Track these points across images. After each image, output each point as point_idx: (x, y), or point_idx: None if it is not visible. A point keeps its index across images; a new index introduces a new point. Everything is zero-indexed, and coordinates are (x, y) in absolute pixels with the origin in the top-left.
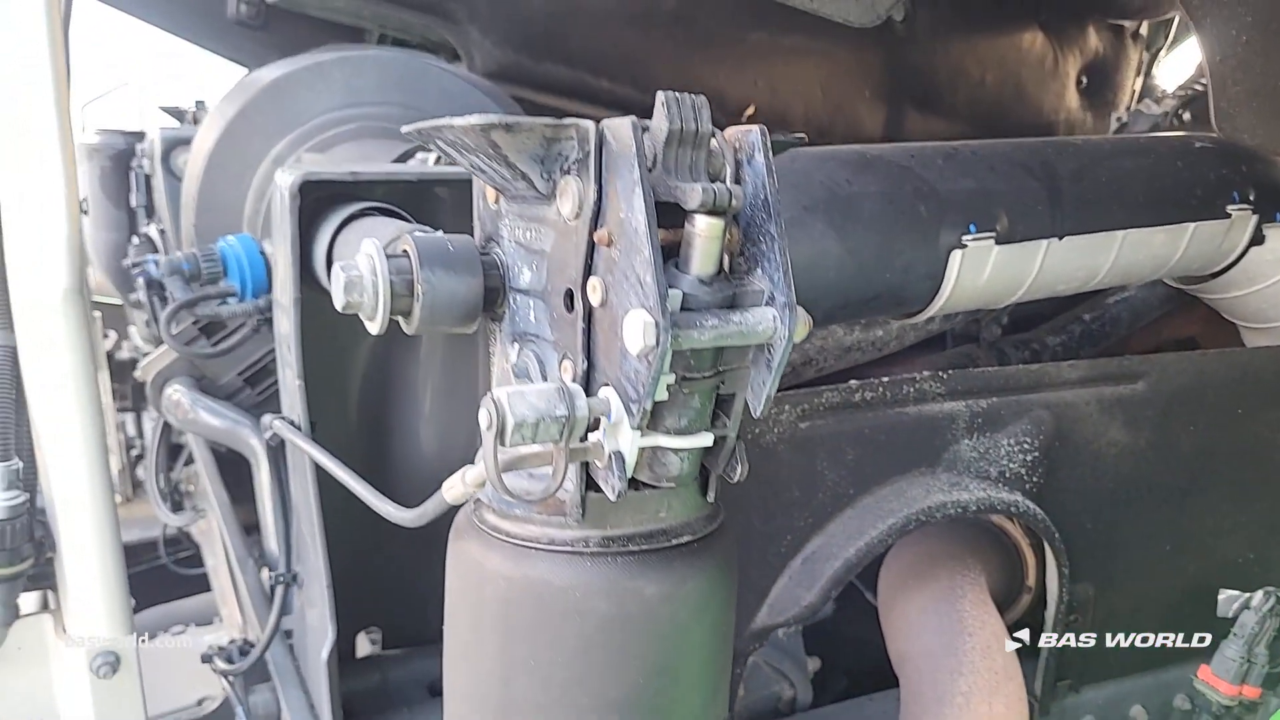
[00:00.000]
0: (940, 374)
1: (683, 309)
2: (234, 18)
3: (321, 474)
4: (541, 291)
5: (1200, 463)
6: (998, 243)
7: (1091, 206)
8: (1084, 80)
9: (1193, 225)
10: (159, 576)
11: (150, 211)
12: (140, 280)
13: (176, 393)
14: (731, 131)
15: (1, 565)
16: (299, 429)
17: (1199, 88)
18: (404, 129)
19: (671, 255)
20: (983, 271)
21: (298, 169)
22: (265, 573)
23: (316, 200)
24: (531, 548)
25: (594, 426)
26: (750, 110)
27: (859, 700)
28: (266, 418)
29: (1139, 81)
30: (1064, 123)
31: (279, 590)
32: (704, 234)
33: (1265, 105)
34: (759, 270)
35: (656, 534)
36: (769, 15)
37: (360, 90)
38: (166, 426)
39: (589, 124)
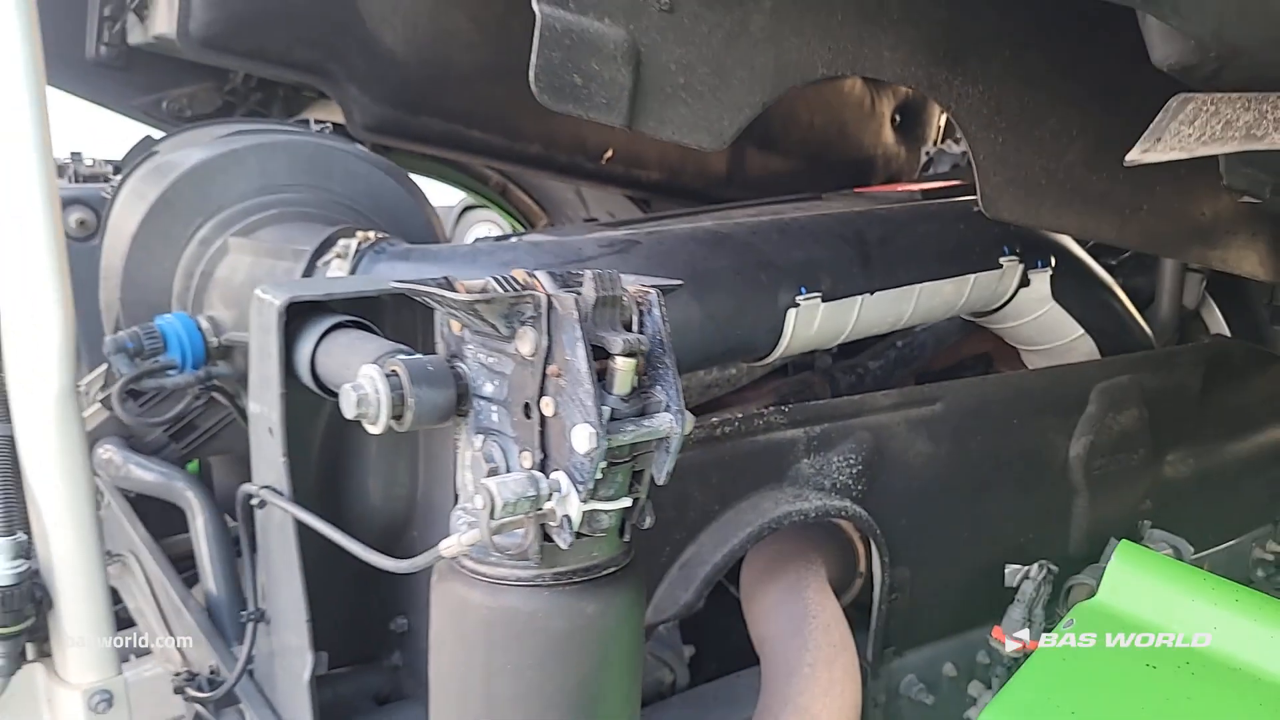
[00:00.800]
0: (783, 408)
1: (611, 419)
2: (94, 59)
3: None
4: (504, 401)
5: (987, 465)
6: (824, 300)
7: (894, 266)
8: (897, 118)
9: (974, 276)
10: None
11: None
12: None
13: (108, 451)
14: (636, 290)
15: (9, 624)
16: (281, 494)
17: None
18: (394, 285)
19: (600, 379)
20: (813, 323)
21: (282, 290)
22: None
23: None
24: (504, 584)
25: (548, 498)
26: (609, 154)
27: (728, 678)
28: (249, 486)
29: (944, 117)
30: (881, 157)
31: (250, 626)
32: (623, 369)
33: (1019, 192)
34: (658, 386)
35: (592, 568)
36: None
37: (274, 174)
38: None
39: (542, 295)
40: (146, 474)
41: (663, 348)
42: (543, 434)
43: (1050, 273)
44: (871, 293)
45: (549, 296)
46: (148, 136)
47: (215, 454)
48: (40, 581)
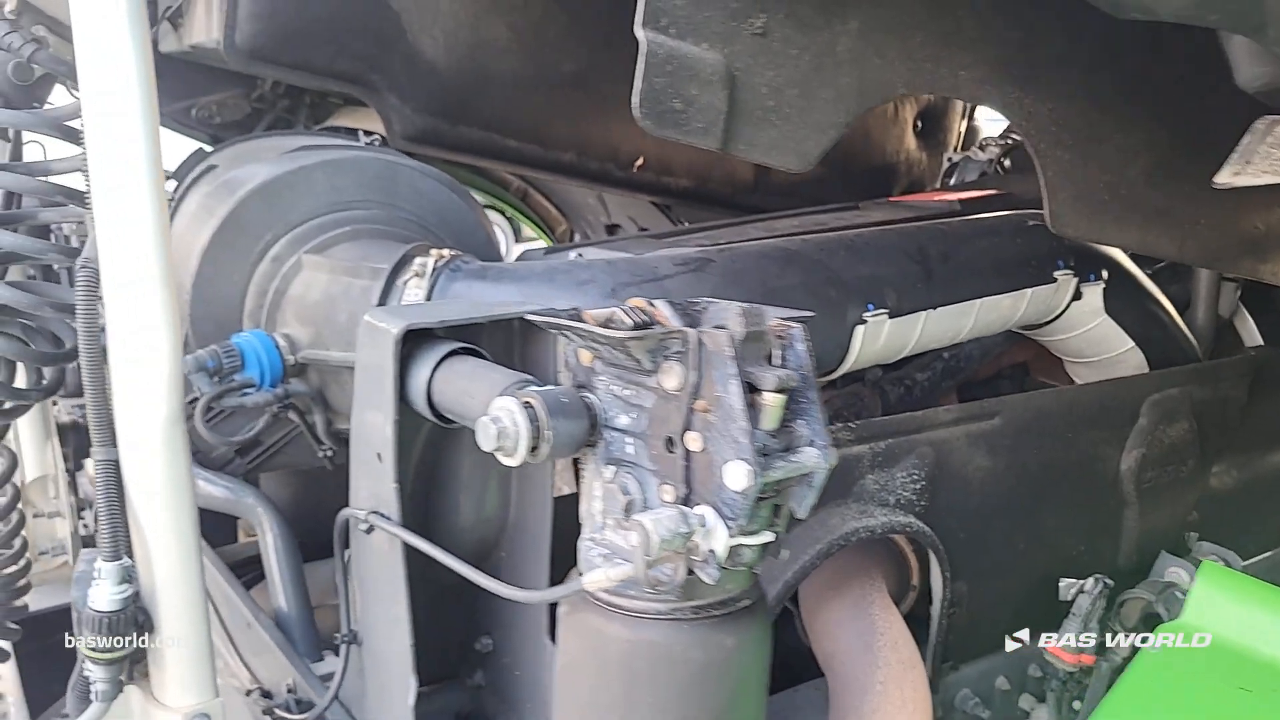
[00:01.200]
0: (849, 424)
1: (760, 455)
2: None
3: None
4: (641, 434)
5: (1043, 478)
6: (890, 317)
7: (956, 282)
8: (919, 125)
9: (1031, 290)
10: None
11: None
12: None
13: None
14: (777, 324)
15: (113, 649)
16: (390, 520)
17: (1016, 138)
18: (531, 316)
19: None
20: (879, 339)
21: (396, 316)
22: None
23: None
24: (644, 617)
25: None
26: (640, 162)
27: (787, 692)
28: (357, 512)
29: (964, 124)
30: (903, 163)
31: (344, 648)
32: (772, 404)
33: (1084, 208)
34: (801, 420)
35: (729, 601)
36: None
37: (342, 191)
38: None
39: (692, 332)
40: (215, 489)
41: (807, 382)
42: (687, 468)
43: (1103, 286)
44: (935, 308)
45: (699, 333)
46: (200, 149)
47: (276, 469)
48: (141, 605)
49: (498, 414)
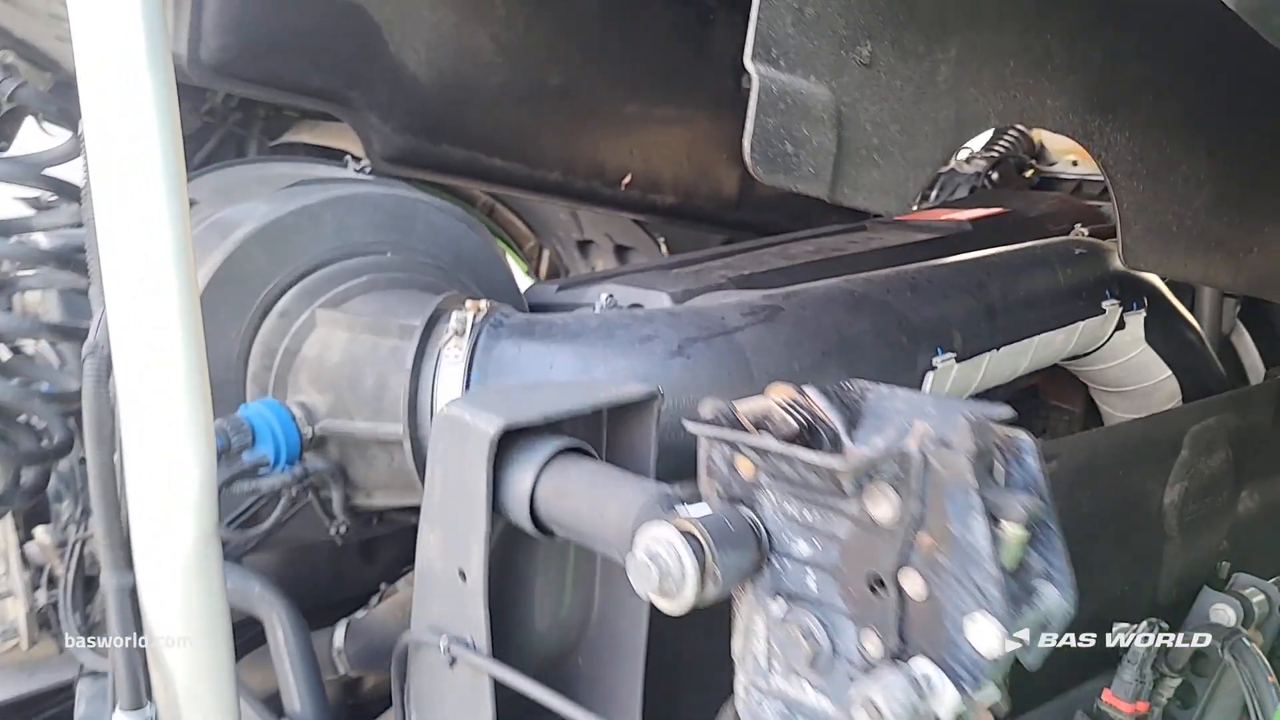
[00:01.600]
0: None
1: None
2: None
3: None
4: (830, 568)
5: (1094, 518)
6: (957, 361)
7: (1015, 319)
8: None
9: (1083, 323)
10: None
11: None
12: None
13: None
14: (1002, 433)
15: None
16: (476, 650)
17: (999, 150)
18: (690, 427)
19: None
20: (946, 385)
21: (486, 409)
22: None
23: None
24: None
25: None
26: (627, 179)
27: None
28: (434, 639)
29: None
30: None
31: None
32: (1014, 539)
33: (1156, 240)
34: (1033, 550)
35: None
36: (642, 88)
37: (351, 232)
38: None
39: (914, 453)
40: None
41: (1046, 508)
42: (901, 617)
43: (1144, 314)
44: (998, 349)
45: (923, 455)
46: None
47: (274, 546)
48: None
49: (655, 549)
